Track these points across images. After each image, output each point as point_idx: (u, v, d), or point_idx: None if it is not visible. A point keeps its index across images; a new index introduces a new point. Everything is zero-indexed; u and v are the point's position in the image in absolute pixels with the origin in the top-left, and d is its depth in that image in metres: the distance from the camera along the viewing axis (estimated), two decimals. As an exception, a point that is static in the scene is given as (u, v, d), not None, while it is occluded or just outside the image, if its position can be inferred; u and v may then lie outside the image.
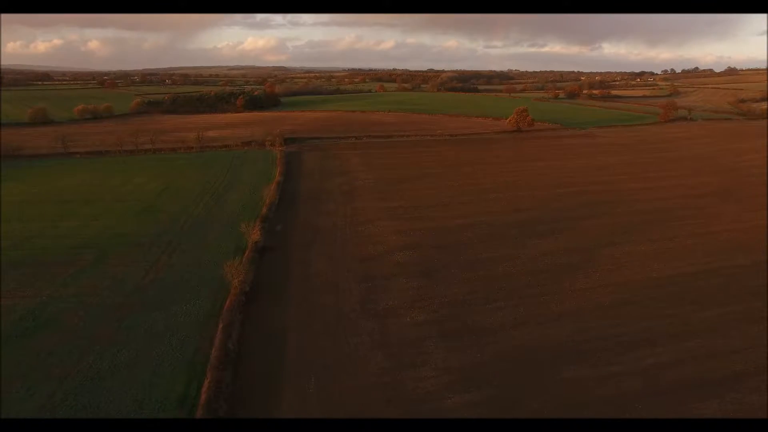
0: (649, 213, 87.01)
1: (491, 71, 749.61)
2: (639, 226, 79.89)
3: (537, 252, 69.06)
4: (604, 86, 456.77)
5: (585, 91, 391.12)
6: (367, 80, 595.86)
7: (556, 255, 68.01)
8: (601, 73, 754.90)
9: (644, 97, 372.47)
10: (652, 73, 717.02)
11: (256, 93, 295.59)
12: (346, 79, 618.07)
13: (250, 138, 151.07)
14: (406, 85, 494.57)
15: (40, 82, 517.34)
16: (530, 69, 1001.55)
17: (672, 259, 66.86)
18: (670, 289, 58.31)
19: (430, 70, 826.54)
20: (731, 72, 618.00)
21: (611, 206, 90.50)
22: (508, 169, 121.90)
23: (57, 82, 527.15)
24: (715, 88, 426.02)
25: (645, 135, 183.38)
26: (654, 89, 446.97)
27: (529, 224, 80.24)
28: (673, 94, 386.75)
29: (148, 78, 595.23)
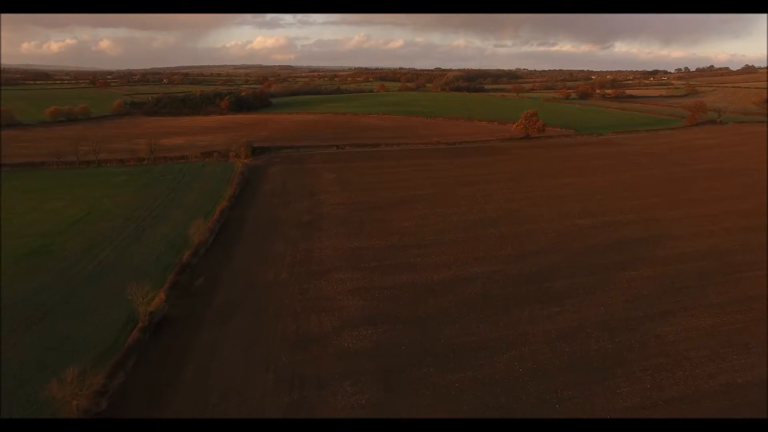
0: (702, 257, 65.12)
1: (499, 70, 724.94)
2: (692, 281, 58.13)
3: (554, 330, 47.67)
4: (617, 86, 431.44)
5: (598, 91, 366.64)
6: (370, 79, 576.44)
7: (582, 336, 46.60)
8: (611, 71, 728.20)
9: (661, 97, 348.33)
10: (665, 72, 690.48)
11: (243, 93, 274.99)
12: (349, 78, 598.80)
13: (214, 147, 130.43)
14: (409, 84, 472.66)
15: (32, 81, 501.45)
16: (539, 68, 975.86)
17: (756, 345, 45.20)
18: (769, 414, 36.72)
19: (437, 69, 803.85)
20: (749, 70, 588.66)
21: (649, 247, 68.59)
22: (514, 189, 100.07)
23: (51, 82, 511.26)
24: (734, 87, 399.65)
25: (672, 141, 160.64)
26: (669, 88, 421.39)
27: (541, 278, 58.67)
28: (690, 93, 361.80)
29: (148, 77, 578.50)
